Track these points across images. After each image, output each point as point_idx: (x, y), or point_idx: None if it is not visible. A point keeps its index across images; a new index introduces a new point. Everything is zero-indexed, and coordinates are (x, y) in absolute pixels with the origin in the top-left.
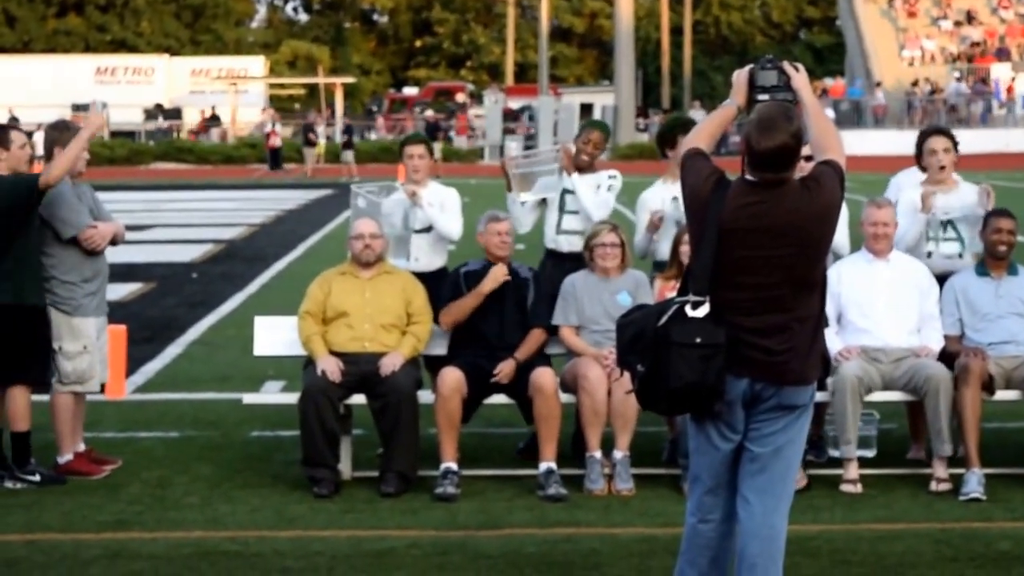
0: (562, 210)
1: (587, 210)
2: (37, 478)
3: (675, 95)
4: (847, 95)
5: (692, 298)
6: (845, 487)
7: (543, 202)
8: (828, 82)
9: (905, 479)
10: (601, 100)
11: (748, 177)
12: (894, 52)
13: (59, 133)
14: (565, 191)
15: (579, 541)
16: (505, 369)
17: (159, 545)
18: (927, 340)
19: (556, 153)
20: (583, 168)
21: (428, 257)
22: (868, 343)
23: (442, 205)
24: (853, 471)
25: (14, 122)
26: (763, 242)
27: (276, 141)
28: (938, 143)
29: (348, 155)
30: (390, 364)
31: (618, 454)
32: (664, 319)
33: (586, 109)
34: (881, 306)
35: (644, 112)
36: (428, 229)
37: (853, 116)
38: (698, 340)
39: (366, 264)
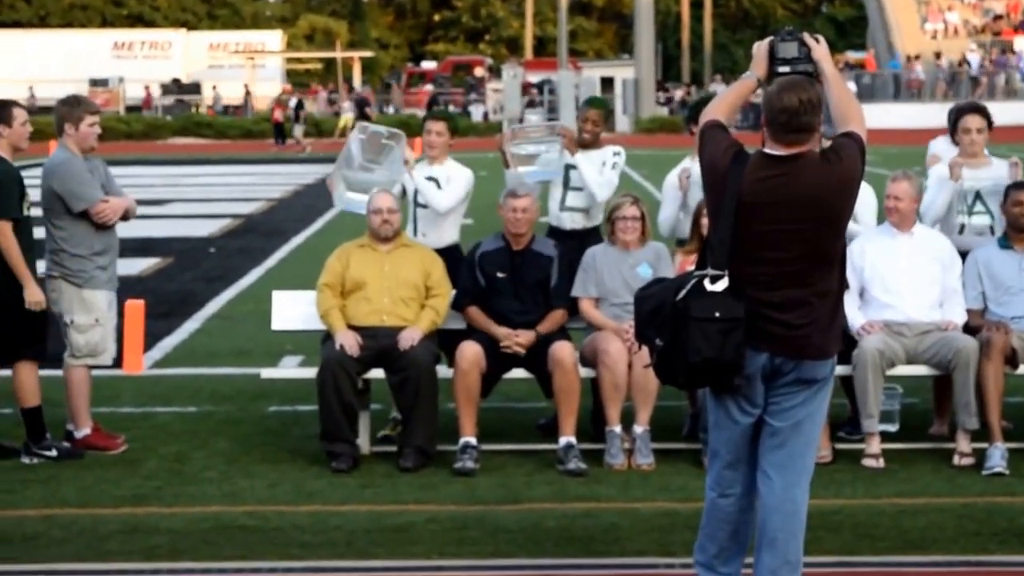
0: (566, 186)
1: (590, 189)
2: (54, 453)
3: (695, 69)
4: (884, 68)
5: (711, 272)
6: (867, 462)
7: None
8: (860, 55)
9: (928, 454)
10: (621, 74)
11: (767, 150)
12: (916, 25)
13: (70, 108)
14: (569, 167)
15: (599, 516)
16: (523, 337)
17: (177, 520)
18: (950, 314)
19: (552, 129)
20: (586, 145)
21: (436, 233)
22: (891, 318)
23: (448, 180)
24: (875, 446)
25: (32, 100)
26: (782, 216)
27: (279, 115)
28: (973, 121)
29: (298, 130)
30: (408, 339)
31: (638, 429)
32: (683, 293)
33: (606, 83)
34: (904, 280)
35: (664, 86)
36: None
37: (886, 89)
38: (717, 314)
39: (384, 239)
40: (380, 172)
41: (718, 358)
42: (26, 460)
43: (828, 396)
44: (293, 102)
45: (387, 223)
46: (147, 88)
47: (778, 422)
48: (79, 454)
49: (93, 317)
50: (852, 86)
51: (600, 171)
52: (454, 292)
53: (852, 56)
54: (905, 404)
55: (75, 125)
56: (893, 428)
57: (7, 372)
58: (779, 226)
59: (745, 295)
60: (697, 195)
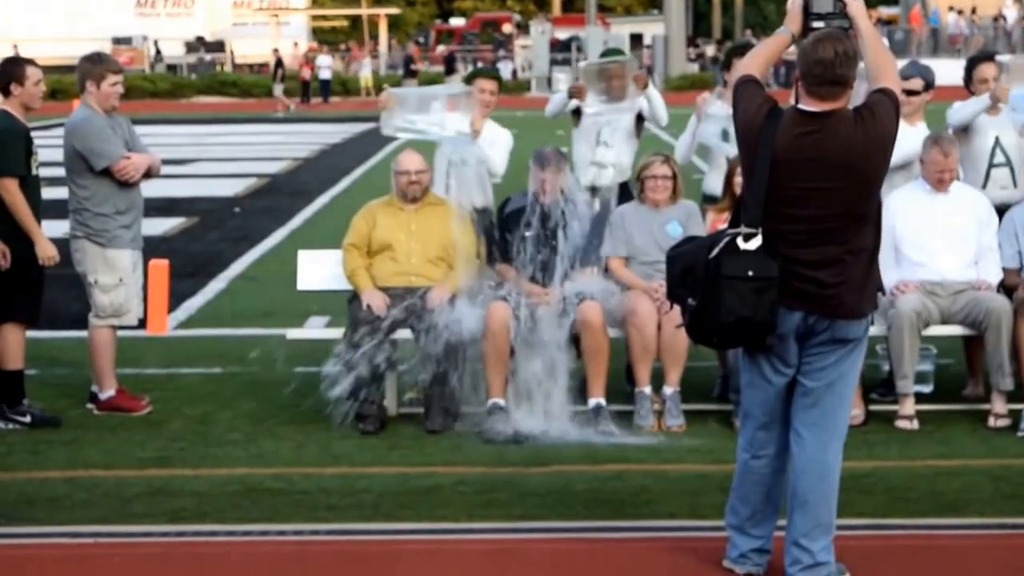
0: (597, 142)
1: (657, 112)
2: (28, 419)
3: (726, 24)
4: (926, 22)
5: (744, 230)
6: (901, 423)
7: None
8: (892, 10)
9: (963, 415)
10: (650, 30)
11: (801, 106)
12: None
13: (92, 66)
14: (599, 121)
15: (629, 478)
16: (552, 293)
17: (202, 482)
18: (985, 273)
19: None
20: (618, 99)
21: (468, 195)
22: (925, 277)
23: (492, 143)
24: (909, 407)
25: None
26: (816, 173)
27: (324, 74)
28: (988, 70)
29: (278, 89)
30: (437, 298)
31: (668, 390)
32: (715, 252)
33: (635, 39)
34: (938, 240)
35: (695, 42)
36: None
37: (929, 44)
38: (750, 273)
39: (412, 199)
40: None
41: (751, 317)
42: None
43: (862, 356)
44: (273, 60)
45: (415, 184)
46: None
47: (811, 382)
48: (55, 421)
49: (117, 277)
50: (884, 42)
51: (628, 140)
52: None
53: (884, 11)
54: (939, 365)
55: (96, 83)
56: (927, 389)
57: (47, 333)
58: (813, 183)
59: (779, 253)
60: (720, 158)
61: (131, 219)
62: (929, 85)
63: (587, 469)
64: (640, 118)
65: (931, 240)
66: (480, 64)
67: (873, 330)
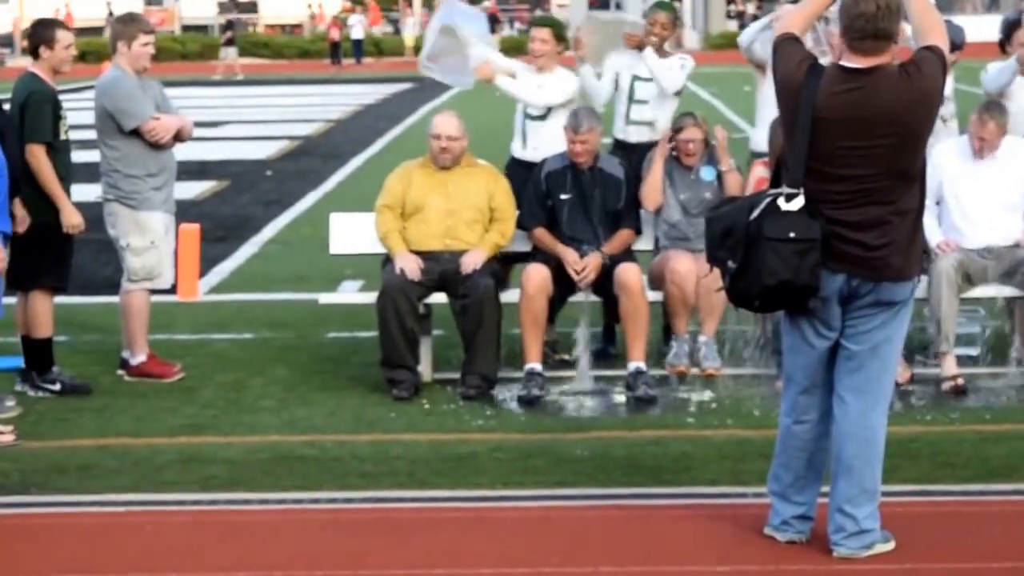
0: (631, 99)
1: (659, 81)
2: (57, 387)
3: None
4: None
5: (786, 190)
6: (946, 385)
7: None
8: None
9: (1011, 378)
10: None
11: (843, 62)
12: None
13: (124, 26)
14: (635, 78)
15: (669, 444)
16: (592, 263)
17: (234, 449)
18: None
19: (638, 25)
20: (655, 50)
21: (548, 147)
22: (969, 245)
23: (543, 86)
24: (951, 366)
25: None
26: (860, 131)
27: (357, 33)
28: None
29: (230, 52)
30: (471, 262)
31: (703, 338)
32: (756, 213)
33: None
34: (982, 208)
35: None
36: (544, 116)
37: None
38: (792, 235)
39: (443, 166)
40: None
41: (794, 280)
42: (31, 393)
43: (907, 319)
44: (230, 19)
45: (446, 151)
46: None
47: (855, 345)
48: (85, 388)
49: (149, 239)
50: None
51: (668, 70)
52: (519, 213)
53: None
54: (987, 327)
55: (128, 44)
56: (975, 352)
57: (77, 299)
58: (856, 142)
59: (821, 214)
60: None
61: (162, 181)
62: (956, 46)
63: (626, 435)
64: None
65: (975, 207)
66: (517, 23)
67: (918, 292)
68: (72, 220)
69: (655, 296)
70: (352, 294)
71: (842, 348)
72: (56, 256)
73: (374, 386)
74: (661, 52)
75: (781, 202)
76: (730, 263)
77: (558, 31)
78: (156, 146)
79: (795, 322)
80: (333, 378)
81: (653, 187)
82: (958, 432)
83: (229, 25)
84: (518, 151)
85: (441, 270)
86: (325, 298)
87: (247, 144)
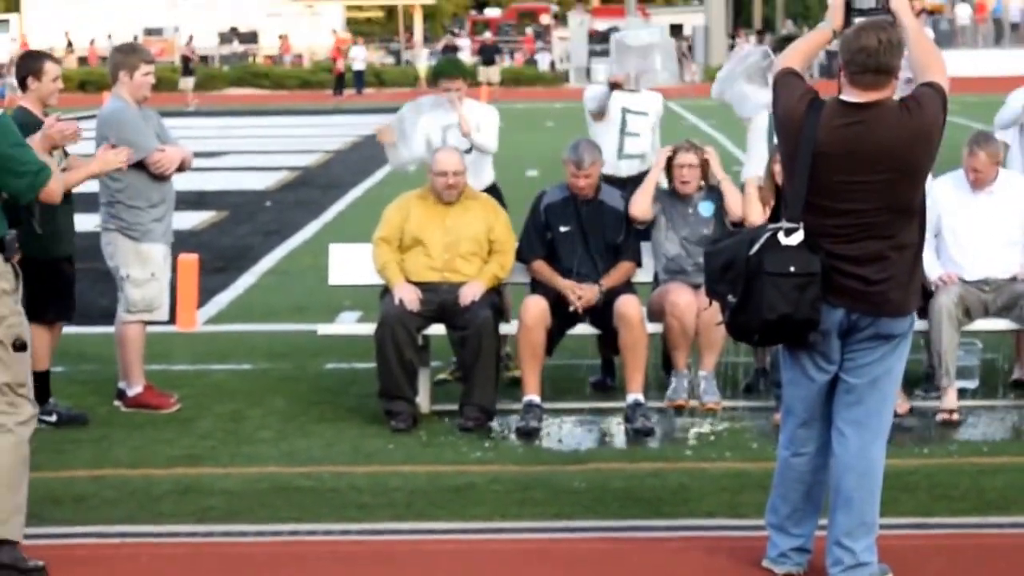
0: (623, 132)
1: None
2: (54, 418)
3: (767, 14)
4: (992, 12)
5: (785, 225)
6: (942, 416)
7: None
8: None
9: (1008, 411)
10: (691, 20)
11: (844, 97)
12: None
13: (125, 56)
14: (626, 111)
15: (667, 476)
16: (587, 294)
17: (232, 480)
18: None
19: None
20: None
21: (476, 177)
22: (968, 278)
23: (478, 126)
24: (952, 401)
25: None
26: (860, 166)
27: (359, 65)
28: None
29: (188, 82)
30: (470, 294)
31: (703, 372)
32: (756, 247)
33: (675, 30)
34: (980, 242)
35: (735, 33)
36: (468, 151)
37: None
38: (792, 269)
39: (448, 202)
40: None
41: (793, 314)
42: None
43: (906, 352)
44: (184, 54)
45: (452, 187)
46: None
47: (854, 379)
48: (82, 419)
49: (149, 271)
50: (930, 32)
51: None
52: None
53: (929, 0)
54: (984, 360)
55: (130, 73)
56: (972, 384)
57: (74, 329)
58: (856, 176)
59: (821, 249)
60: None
61: (163, 212)
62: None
63: (624, 467)
64: None
65: (972, 240)
66: (515, 55)
67: (916, 325)
68: (108, 164)
69: (654, 328)
70: (351, 325)
71: (841, 381)
72: (54, 289)
73: (372, 417)
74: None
75: (781, 236)
76: (730, 297)
77: (465, 77)
78: (158, 177)
79: (794, 356)
80: (331, 409)
81: (643, 195)
82: (956, 465)
83: (186, 58)
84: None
85: (440, 301)
86: (324, 329)
87: (246, 174)
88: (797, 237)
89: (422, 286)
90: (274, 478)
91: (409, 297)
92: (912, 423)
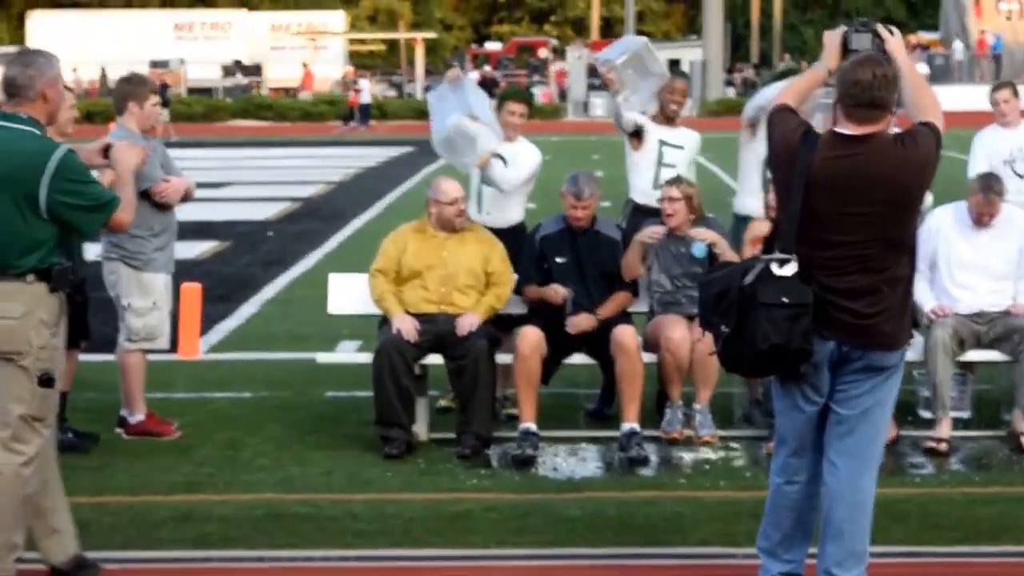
0: (659, 163)
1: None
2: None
3: (764, 49)
4: (992, 49)
5: (779, 256)
6: (930, 444)
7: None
8: (933, 35)
9: (1000, 441)
10: (689, 55)
11: (838, 129)
12: (991, 4)
13: (134, 87)
14: (663, 143)
15: (662, 504)
16: (582, 323)
17: (229, 507)
18: (1021, 297)
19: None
20: (673, 119)
21: (500, 212)
22: (961, 311)
23: (516, 156)
24: (945, 431)
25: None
26: (853, 197)
27: (364, 97)
28: (1003, 94)
29: (164, 115)
30: (467, 325)
31: (698, 406)
32: (749, 278)
33: (673, 64)
34: (977, 275)
35: (732, 67)
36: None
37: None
38: (785, 300)
39: (453, 229)
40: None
41: (786, 344)
42: None
43: (898, 383)
44: (160, 88)
45: (461, 213)
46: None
47: (845, 410)
48: (84, 447)
49: (151, 300)
50: (924, 68)
51: (690, 165)
52: (516, 277)
53: (924, 36)
54: (977, 390)
55: (139, 104)
56: (965, 415)
57: (90, 357)
58: (850, 208)
59: (814, 281)
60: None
61: (165, 242)
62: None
63: (619, 495)
64: None
65: (969, 274)
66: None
67: (909, 355)
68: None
69: (649, 358)
70: (350, 354)
71: (832, 413)
72: (70, 315)
73: (370, 445)
74: (675, 121)
75: (774, 267)
76: (723, 327)
77: (531, 105)
78: (161, 207)
79: (785, 387)
80: (330, 437)
81: (629, 263)
82: (947, 494)
83: (164, 87)
84: (473, 214)
85: (436, 331)
86: (323, 357)
87: (249, 205)
88: (790, 268)
89: (419, 317)
90: (272, 505)
91: (407, 328)
92: (903, 452)
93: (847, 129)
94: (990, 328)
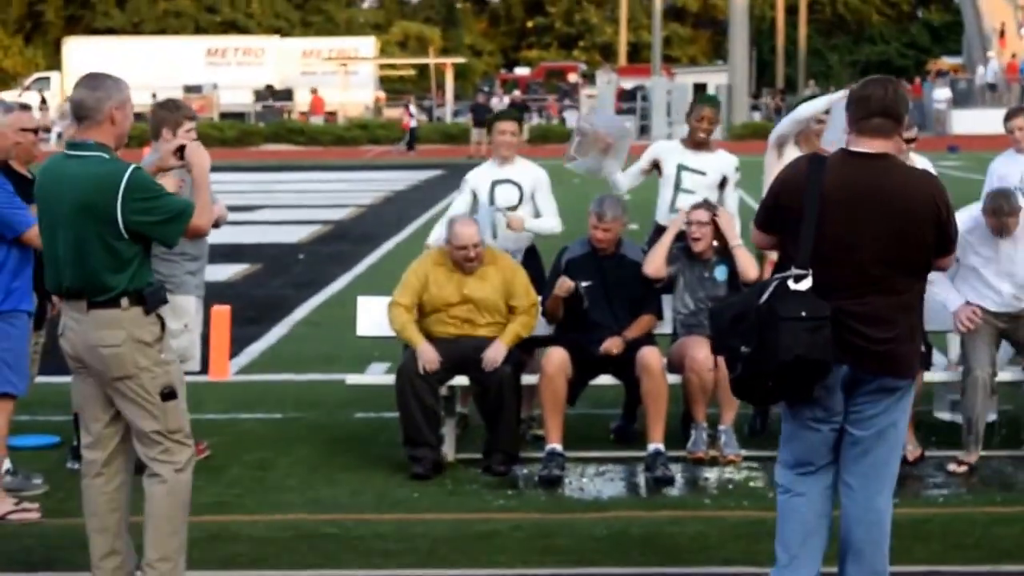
0: (678, 188)
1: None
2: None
3: (789, 74)
4: (1021, 72)
5: (795, 272)
6: (952, 466)
7: (657, 170)
8: (956, 60)
9: (1022, 460)
10: (715, 80)
11: (851, 148)
12: (1012, 30)
13: (169, 112)
14: (681, 167)
15: (686, 524)
16: (612, 347)
17: (259, 527)
18: None
19: (624, 130)
20: (700, 145)
21: (514, 236)
22: (989, 307)
23: (532, 185)
24: (973, 457)
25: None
26: (866, 214)
27: (413, 122)
28: (1018, 121)
29: None
30: (493, 359)
31: (723, 426)
32: (766, 295)
33: (699, 89)
34: (1002, 281)
35: (758, 92)
36: (513, 207)
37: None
38: (803, 313)
39: (467, 272)
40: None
41: (807, 356)
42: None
43: (910, 402)
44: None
45: (472, 260)
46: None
47: (860, 431)
48: None
49: (183, 323)
50: (947, 92)
51: (711, 190)
52: (539, 299)
53: (948, 61)
54: (1001, 410)
55: (173, 130)
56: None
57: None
58: (862, 226)
59: (830, 303)
60: None
61: (198, 266)
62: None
63: (644, 514)
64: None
65: (993, 278)
66: (544, 112)
67: (941, 375)
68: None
69: (674, 379)
70: (379, 375)
71: (847, 435)
72: None
73: (399, 466)
74: (707, 146)
75: (790, 283)
76: (743, 348)
77: (520, 123)
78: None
79: (796, 410)
80: (358, 458)
81: (658, 254)
82: (969, 514)
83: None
84: (488, 240)
85: (461, 353)
86: (352, 379)
87: (281, 228)
88: (806, 283)
89: (441, 340)
90: (300, 525)
91: (430, 358)
92: (926, 471)
93: (859, 147)
94: (1015, 329)
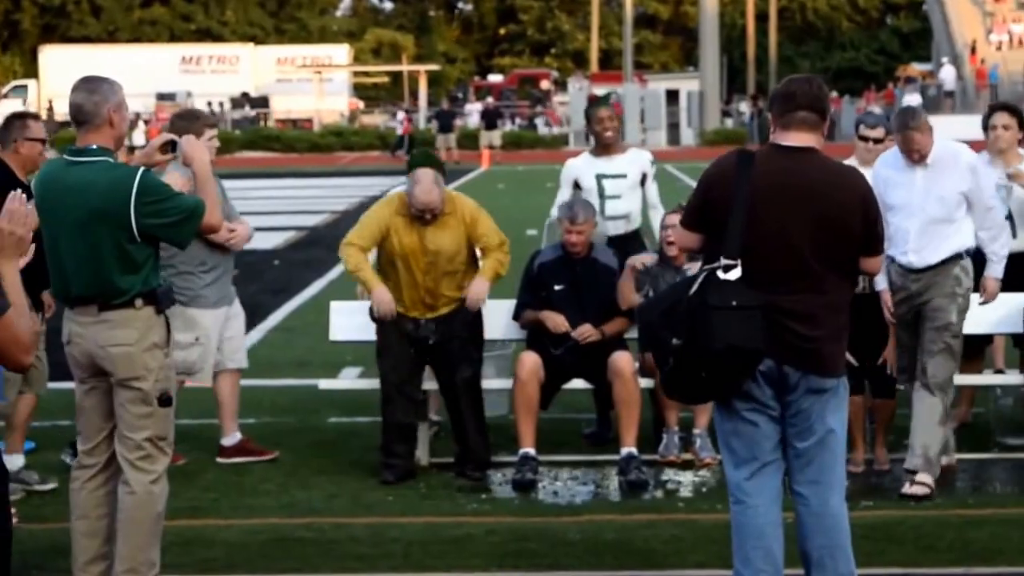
0: (603, 196)
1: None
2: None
3: (760, 81)
4: (989, 78)
5: (723, 262)
6: (906, 488)
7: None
8: (925, 67)
9: (994, 463)
10: (686, 86)
11: (777, 141)
12: (981, 36)
13: (189, 123)
14: (600, 176)
15: (660, 527)
16: (587, 332)
17: (234, 532)
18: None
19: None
20: (610, 148)
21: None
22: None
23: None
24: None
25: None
26: (792, 204)
27: (409, 128)
28: (999, 119)
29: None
30: (476, 298)
31: (697, 430)
32: (696, 286)
33: (671, 96)
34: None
35: (729, 98)
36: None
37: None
38: (734, 302)
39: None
40: None
41: (740, 343)
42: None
43: (845, 402)
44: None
45: (432, 213)
46: None
47: (801, 443)
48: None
49: (194, 336)
50: (918, 98)
51: (638, 189)
52: (514, 301)
53: (917, 68)
54: (972, 412)
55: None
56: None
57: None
58: (790, 218)
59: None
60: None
61: (215, 278)
62: (889, 132)
63: (618, 518)
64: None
65: (902, 220)
66: (519, 119)
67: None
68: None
69: (647, 383)
70: (352, 380)
71: (790, 448)
72: None
73: (372, 470)
74: (618, 148)
75: (720, 273)
76: (674, 340)
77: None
78: (216, 245)
79: (728, 407)
80: (332, 462)
81: (625, 289)
82: (941, 516)
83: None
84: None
85: (423, 336)
86: (326, 384)
87: (256, 234)
88: (735, 273)
89: (402, 319)
90: (275, 529)
91: (386, 307)
92: (899, 475)
93: (785, 140)
94: (921, 289)
